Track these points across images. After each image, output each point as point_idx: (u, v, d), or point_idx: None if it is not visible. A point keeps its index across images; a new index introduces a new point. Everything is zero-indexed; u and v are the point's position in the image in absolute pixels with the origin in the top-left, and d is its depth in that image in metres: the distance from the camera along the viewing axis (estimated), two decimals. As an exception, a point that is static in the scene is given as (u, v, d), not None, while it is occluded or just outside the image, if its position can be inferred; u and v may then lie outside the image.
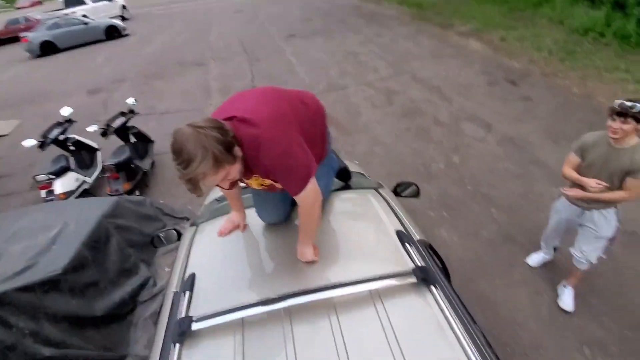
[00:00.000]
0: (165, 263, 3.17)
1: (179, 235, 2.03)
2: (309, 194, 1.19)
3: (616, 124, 1.81)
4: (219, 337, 1.09)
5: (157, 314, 2.68)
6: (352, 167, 2.46)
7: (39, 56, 12.70)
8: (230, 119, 1.11)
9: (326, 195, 1.50)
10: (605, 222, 2.13)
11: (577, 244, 2.27)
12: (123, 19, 16.23)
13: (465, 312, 1.06)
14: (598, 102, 4.64)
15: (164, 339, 1.11)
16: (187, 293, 1.22)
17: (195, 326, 1.07)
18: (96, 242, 2.64)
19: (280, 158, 1.11)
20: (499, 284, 2.56)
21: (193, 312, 1.16)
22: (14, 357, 1.91)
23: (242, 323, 1.10)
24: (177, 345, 1.05)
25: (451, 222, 3.20)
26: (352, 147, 4.53)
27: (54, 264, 2.29)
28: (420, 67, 6.59)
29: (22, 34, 13.49)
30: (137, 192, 4.01)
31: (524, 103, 4.92)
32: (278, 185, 1.28)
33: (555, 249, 2.68)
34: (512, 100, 5.04)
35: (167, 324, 1.16)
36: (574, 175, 2.10)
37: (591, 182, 1.99)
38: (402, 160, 4.15)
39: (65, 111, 4.21)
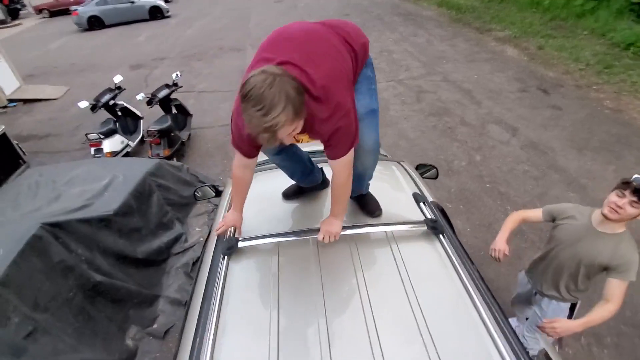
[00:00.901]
0: (197, 224, 3.48)
1: (217, 192, 2.29)
2: (346, 163, 1.18)
3: (622, 201, 1.47)
4: (258, 258, 1.33)
5: (188, 264, 3.01)
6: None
7: (86, 30, 13.47)
8: (283, 63, 1.02)
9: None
10: (554, 314, 1.77)
11: (525, 325, 1.97)
12: (166, 1, 16.89)
13: (467, 258, 1.25)
14: (630, 117, 4.61)
15: (213, 254, 1.36)
16: None
17: (241, 244, 1.32)
18: (141, 195, 2.96)
19: (340, 119, 1.08)
20: (504, 272, 2.70)
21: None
22: (72, 276, 2.23)
23: (278, 248, 1.34)
24: (226, 257, 1.30)
25: (466, 214, 3.35)
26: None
27: (107, 206, 2.62)
28: (453, 70, 6.64)
29: (72, 7, 14.31)
30: (174, 160, 4.35)
31: (553, 111, 4.93)
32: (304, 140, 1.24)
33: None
34: (541, 108, 5.06)
35: (216, 244, 1.41)
36: (507, 223, 1.80)
37: (500, 245, 1.69)
38: (426, 155, 4.29)
39: (117, 78, 4.60)
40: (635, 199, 1.44)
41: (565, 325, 1.56)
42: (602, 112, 4.82)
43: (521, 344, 0.98)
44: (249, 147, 1.23)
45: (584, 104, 5.05)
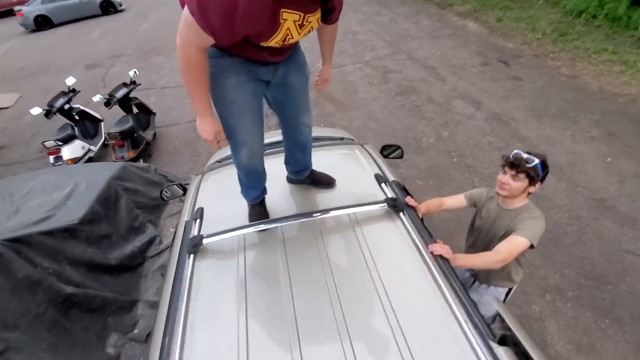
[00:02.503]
0: (171, 225, 3.41)
1: (184, 190, 2.25)
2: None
3: (506, 177, 1.51)
4: (224, 253, 1.33)
5: (164, 266, 2.96)
6: (341, 134, 2.69)
7: (34, 31, 12.58)
8: None
9: None
10: (482, 303, 1.69)
11: None
12: (119, -7, 15.95)
13: (426, 232, 1.30)
14: (584, 82, 4.83)
15: (179, 253, 1.35)
16: (198, 220, 1.46)
17: (205, 241, 1.31)
18: (107, 200, 2.86)
19: None
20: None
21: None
22: (40, 291, 2.16)
23: (244, 241, 1.34)
24: (191, 256, 1.29)
25: (436, 189, 3.45)
26: (349, 122, 4.72)
27: (71, 215, 2.52)
28: (418, 47, 6.70)
29: (16, 8, 13.28)
30: (140, 161, 4.21)
31: (513, 82, 5.09)
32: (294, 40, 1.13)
33: None
34: (502, 79, 5.21)
35: (181, 243, 1.40)
36: (429, 204, 1.69)
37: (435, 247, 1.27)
38: (395, 135, 4.35)
39: (70, 81, 4.36)
40: (513, 172, 1.49)
41: (450, 252, 1.28)
42: (559, 79, 5.02)
43: (479, 311, 1.04)
44: (230, 30, 0.96)
45: (542, 72, 5.24)
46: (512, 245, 1.45)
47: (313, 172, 1.64)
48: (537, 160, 1.47)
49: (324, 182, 1.62)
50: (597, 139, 3.85)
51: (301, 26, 1.07)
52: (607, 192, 3.21)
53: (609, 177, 3.37)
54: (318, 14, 1.09)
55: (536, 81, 5.04)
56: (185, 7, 0.96)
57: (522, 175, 1.48)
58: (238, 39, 1.02)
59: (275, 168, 1.66)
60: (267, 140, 1.62)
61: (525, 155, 1.49)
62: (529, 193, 1.55)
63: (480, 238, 1.74)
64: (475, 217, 1.81)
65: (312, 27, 1.12)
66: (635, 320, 2.29)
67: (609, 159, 3.57)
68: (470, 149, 3.93)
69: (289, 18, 1.02)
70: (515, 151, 1.53)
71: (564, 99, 4.54)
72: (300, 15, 1.03)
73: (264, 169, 1.49)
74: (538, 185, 1.52)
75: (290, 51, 1.30)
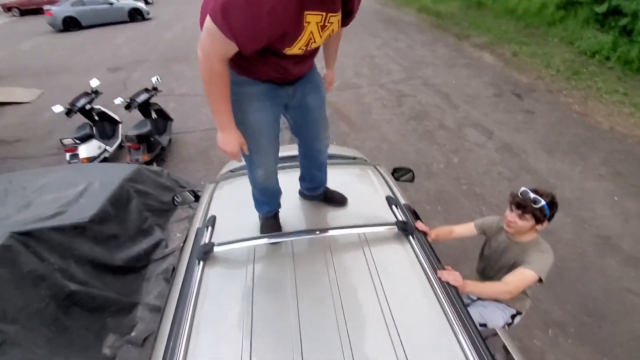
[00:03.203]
0: (178, 229, 3.44)
1: (196, 197, 2.29)
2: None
3: (512, 215, 1.51)
4: (233, 262, 1.35)
5: (168, 271, 2.97)
6: (355, 153, 2.73)
7: (61, 31, 13.03)
8: None
9: None
10: (494, 315, 1.71)
11: None
12: (146, 2, 16.58)
13: (435, 257, 1.30)
14: (595, 120, 4.87)
15: (189, 258, 1.36)
16: (209, 228, 1.48)
17: (216, 249, 1.33)
18: (118, 201, 2.90)
19: None
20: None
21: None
22: (44, 286, 2.17)
23: (254, 252, 1.35)
24: (201, 262, 1.30)
25: (444, 214, 3.45)
26: (361, 142, 4.78)
27: (82, 213, 2.56)
28: (433, 74, 6.82)
29: (46, 7, 13.79)
30: (154, 165, 4.28)
31: (526, 115, 5.14)
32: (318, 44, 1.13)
33: None
34: (515, 111, 5.26)
35: (192, 249, 1.42)
36: (438, 231, 1.71)
37: (444, 274, 1.24)
38: (406, 158, 4.39)
39: (94, 82, 4.50)
40: (520, 211, 1.48)
41: (459, 279, 1.27)
42: (570, 115, 5.06)
43: (484, 341, 1.04)
44: (255, 34, 0.95)
45: (554, 108, 5.28)
46: (520, 278, 1.45)
47: (327, 189, 1.67)
48: (543, 202, 1.45)
49: (337, 200, 1.64)
50: (605, 177, 3.85)
51: (323, 27, 1.05)
52: (613, 230, 3.19)
53: (615, 216, 3.36)
54: (339, 15, 1.08)
55: (548, 116, 5.08)
56: (207, 18, 0.97)
57: (528, 216, 1.48)
58: (262, 45, 1.01)
59: (289, 182, 1.69)
60: (280, 154, 1.66)
61: (532, 195, 1.47)
62: (537, 229, 1.54)
63: (489, 266, 1.75)
64: (484, 245, 1.81)
65: (332, 30, 1.10)
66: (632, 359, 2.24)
67: (616, 198, 3.56)
68: (480, 178, 3.94)
69: (312, 20, 1.00)
70: (523, 189, 1.51)
71: (575, 135, 4.57)
72: (322, 16, 1.01)
73: (278, 187, 1.53)
74: (545, 223, 1.52)
75: (312, 61, 1.31)
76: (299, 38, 1.03)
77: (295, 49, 1.07)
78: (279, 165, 1.49)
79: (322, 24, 1.03)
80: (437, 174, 4.08)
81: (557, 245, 3.05)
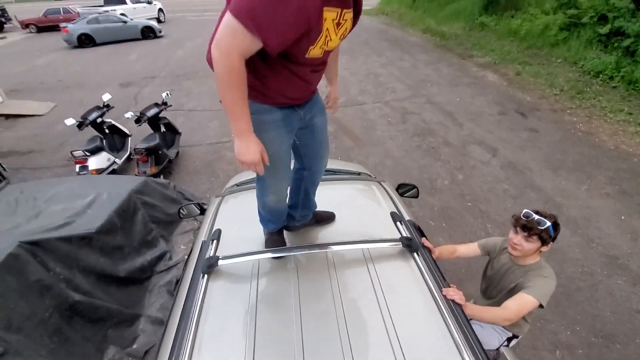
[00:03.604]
0: (182, 242, 3.46)
1: (202, 209, 2.32)
2: None
3: (518, 238, 1.51)
4: (238, 276, 1.36)
5: (171, 283, 2.97)
6: (359, 168, 2.75)
7: (76, 47, 13.49)
8: None
9: None
10: (483, 332, 1.70)
11: None
12: (159, 21, 17.16)
13: (440, 274, 1.30)
14: (600, 139, 4.87)
15: (193, 272, 1.38)
16: (214, 242, 1.49)
17: (221, 263, 1.34)
18: (125, 212, 2.94)
19: None
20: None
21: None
22: (48, 295, 2.18)
23: (258, 266, 1.36)
24: (206, 276, 1.32)
25: (448, 231, 3.43)
26: (365, 158, 4.82)
27: (90, 224, 2.60)
28: (437, 93, 6.91)
29: (62, 24, 14.32)
30: (161, 177, 4.34)
31: (530, 133, 5.16)
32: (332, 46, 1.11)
33: None
34: (519, 130, 5.29)
35: (196, 262, 1.43)
36: (442, 249, 1.69)
37: (449, 292, 1.26)
38: (410, 174, 4.40)
39: (106, 97, 4.63)
40: (526, 234, 1.48)
41: (464, 299, 1.28)
42: (575, 134, 5.07)
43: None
44: (281, 30, 0.93)
45: (559, 126, 5.30)
46: (521, 303, 1.44)
47: (315, 212, 1.64)
48: (549, 223, 1.46)
49: (326, 218, 1.63)
50: (612, 196, 3.82)
51: (338, 24, 1.03)
52: (620, 250, 3.15)
53: (622, 235, 3.31)
54: (352, 13, 1.07)
55: (553, 134, 5.10)
56: (227, 14, 0.93)
57: (534, 238, 1.47)
58: (289, 42, 0.98)
59: None
60: None
61: (536, 217, 1.47)
62: (541, 251, 1.54)
63: (491, 286, 1.74)
64: (487, 266, 1.80)
65: (346, 29, 1.08)
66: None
67: (623, 217, 3.52)
68: (485, 195, 3.93)
69: (328, 17, 0.99)
70: (525, 211, 1.51)
71: (580, 154, 4.56)
72: (338, 12, 1.00)
73: (286, 209, 1.53)
74: (550, 245, 1.52)
75: (322, 74, 1.30)
76: (320, 35, 1.01)
77: (316, 49, 1.05)
78: None
79: (337, 20, 1.02)
80: (441, 190, 4.08)
81: (565, 265, 3.01)
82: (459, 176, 4.31)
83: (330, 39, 1.06)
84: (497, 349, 1.73)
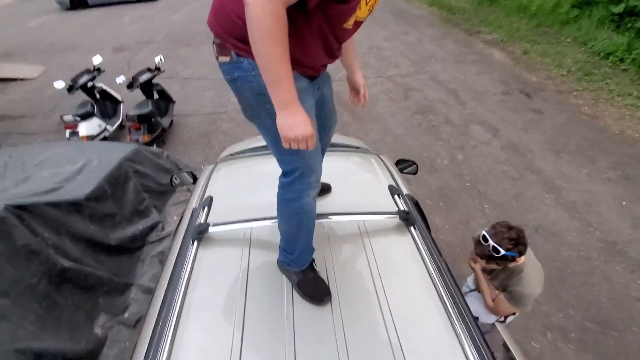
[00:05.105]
0: (175, 213, 3.40)
1: (195, 178, 2.24)
2: None
3: (481, 261, 1.56)
4: (229, 244, 1.30)
5: (164, 253, 2.94)
6: (358, 143, 2.67)
7: (68, 9, 12.91)
8: None
9: None
10: (479, 307, 1.76)
11: None
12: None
13: (436, 249, 1.26)
14: (605, 123, 4.76)
15: (183, 239, 1.32)
16: (205, 209, 1.43)
17: (212, 229, 1.28)
18: (116, 180, 2.87)
19: None
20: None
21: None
22: (36, 261, 2.14)
23: (250, 234, 1.31)
24: (195, 242, 1.26)
25: (446, 211, 3.40)
26: (364, 134, 4.70)
27: (79, 190, 2.53)
28: (441, 69, 6.70)
29: (55, -15, 13.63)
30: (154, 146, 4.23)
31: (534, 114, 5.04)
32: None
33: None
34: (523, 111, 5.17)
35: (186, 229, 1.37)
36: (477, 269, 1.75)
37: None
38: (410, 152, 4.31)
39: (96, 60, 4.43)
40: (483, 261, 1.53)
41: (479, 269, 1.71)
42: (580, 117, 4.96)
43: (483, 336, 0.99)
44: None
45: (564, 109, 5.18)
46: (504, 308, 1.61)
47: None
48: (502, 252, 1.43)
49: (322, 189, 1.49)
50: (614, 181, 3.77)
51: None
52: (620, 236, 3.13)
53: (622, 221, 3.29)
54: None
55: (557, 116, 4.98)
56: None
57: (493, 263, 1.51)
58: None
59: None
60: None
61: (491, 245, 1.44)
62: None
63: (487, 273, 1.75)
64: None
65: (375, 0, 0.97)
66: (639, 372, 2.19)
67: (624, 203, 3.48)
68: (484, 175, 3.88)
69: None
70: (482, 234, 1.49)
71: (584, 137, 4.48)
72: None
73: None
74: (519, 259, 1.48)
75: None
76: (360, 2, 0.90)
77: (351, 19, 0.95)
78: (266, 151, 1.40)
79: None
80: (440, 170, 4.02)
81: (561, 248, 3.00)
82: (459, 156, 4.23)
83: (360, 8, 0.93)
84: (492, 324, 1.75)
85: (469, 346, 0.94)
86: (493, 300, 1.65)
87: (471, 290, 1.86)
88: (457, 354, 0.94)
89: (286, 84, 0.85)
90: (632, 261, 2.89)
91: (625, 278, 2.75)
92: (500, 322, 1.75)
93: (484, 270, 1.77)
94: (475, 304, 1.73)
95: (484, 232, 1.49)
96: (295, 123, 0.89)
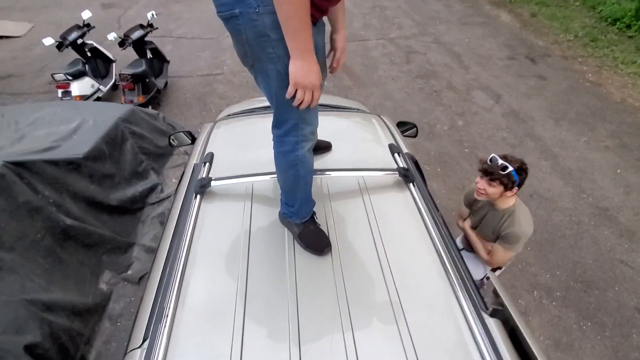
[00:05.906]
0: (173, 175, 3.40)
1: (193, 138, 2.22)
2: None
3: (482, 182, 1.53)
4: (231, 198, 1.32)
5: (164, 214, 2.98)
6: (358, 105, 2.63)
7: (52, -40, 12.07)
8: None
9: None
10: (469, 262, 1.72)
11: None
12: None
13: (434, 206, 1.28)
14: (607, 91, 4.71)
15: (185, 193, 1.33)
16: (207, 164, 1.43)
17: (214, 184, 1.29)
18: (113, 140, 2.83)
19: None
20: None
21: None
22: (39, 218, 2.16)
23: (252, 189, 1.32)
24: (198, 197, 1.27)
25: (443, 177, 3.43)
26: (364, 98, 4.61)
27: (76, 149, 2.51)
28: (446, 31, 6.46)
29: None
30: (149, 108, 4.14)
31: (537, 81, 4.95)
32: None
33: None
34: (527, 76, 5.07)
35: (189, 184, 1.38)
36: (466, 227, 1.84)
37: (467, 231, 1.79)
38: (410, 117, 4.24)
39: (85, 14, 4.21)
40: (487, 178, 1.50)
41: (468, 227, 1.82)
42: (583, 84, 4.88)
43: (476, 285, 1.04)
44: None
45: (568, 75, 5.09)
46: (499, 256, 1.66)
47: None
48: (511, 168, 1.46)
49: (322, 147, 1.52)
50: (611, 149, 3.79)
51: None
52: (611, 202, 3.20)
53: (615, 188, 3.35)
54: None
55: (560, 83, 4.90)
56: None
57: (496, 182, 1.49)
58: None
59: None
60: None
61: (500, 162, 1.48)
62: (514, 193, 1.56)
63: (479, 230, 1.79)
64: (470, 213, 1.86)
65: None
66: (616, 327, 2.33)
67: (619, 170, 3.53)
68: (483, 142, 3.87)
69: None
70: (492, 155, 1.52)
71: (585, 105, 4.44)
72: None
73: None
74: (515, 190, 1.53)
75: None
76: None
77: None
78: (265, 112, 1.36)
79: None
80: (439, 136, 4.00)
81: (553, 213, 3.07)
82: (459, 122, 4.20)
83: None
84: (482, 279, 1.86)
85: (461, 292, 0.99)
86: (488, 253, 1.71)
87: (460, 250, 1.92)
88: (450, 298, 0.99)
89: (308, 31, 0.84)
90: (621, 226, 2.98)
91: (612, 242, 2.85)
92: (488, 278, 1.83)
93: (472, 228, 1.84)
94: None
95: (493, 155, 1.54)
96: (310, 70, 0.89)
